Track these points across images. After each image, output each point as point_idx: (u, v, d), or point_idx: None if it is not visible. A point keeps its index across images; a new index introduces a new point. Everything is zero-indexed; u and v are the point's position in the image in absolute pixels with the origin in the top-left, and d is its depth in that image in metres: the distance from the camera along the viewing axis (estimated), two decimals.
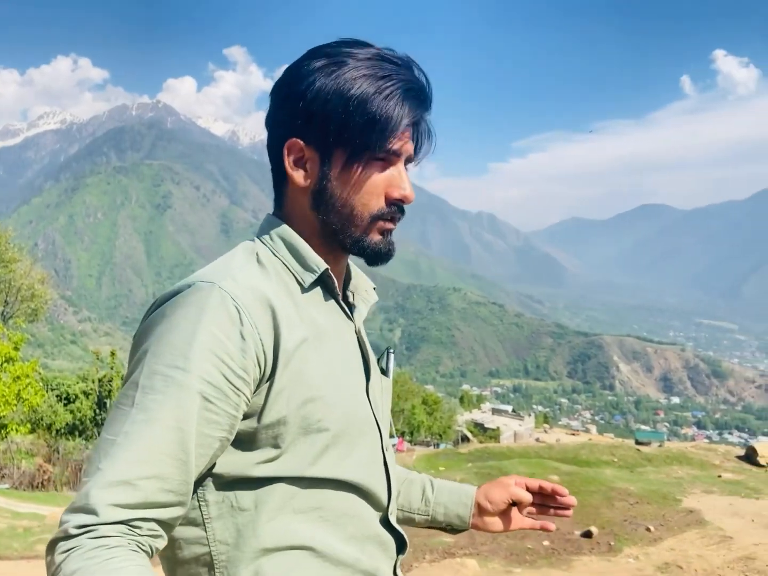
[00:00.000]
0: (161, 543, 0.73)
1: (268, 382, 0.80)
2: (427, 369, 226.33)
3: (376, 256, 0.91)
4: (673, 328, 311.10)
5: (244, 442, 0.81)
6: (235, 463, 0.81)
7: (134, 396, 0.74)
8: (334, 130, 0.84)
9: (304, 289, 0.88)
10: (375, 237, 0.89)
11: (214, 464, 0.80)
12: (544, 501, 1.10)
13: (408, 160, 0.91)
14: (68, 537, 0.67)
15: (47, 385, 20.39)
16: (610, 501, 8.21)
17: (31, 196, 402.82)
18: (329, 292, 0.92)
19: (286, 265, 0.88)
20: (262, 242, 0.91)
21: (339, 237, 0.89)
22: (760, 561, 5.69)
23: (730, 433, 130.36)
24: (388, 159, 0.87)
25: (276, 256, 0.89)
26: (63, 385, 22.28)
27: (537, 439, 32.42)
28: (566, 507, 1.08)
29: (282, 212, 0.93)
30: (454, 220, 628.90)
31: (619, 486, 8.82)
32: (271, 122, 0.91)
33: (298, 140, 0.87)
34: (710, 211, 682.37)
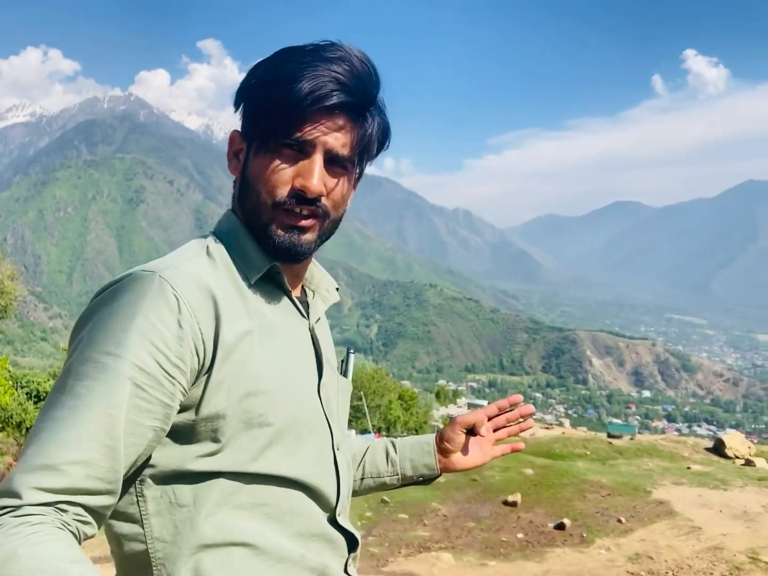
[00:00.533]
0: (90, 530, 0.72)
1: (207, 374, 0.79)
2: (404, 365, 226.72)
3: (278, 251, 0.88)
4: (644, 323, 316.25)
5: (183, 435, 0.79)
6: (172, 456, 0.80)
7: (67, 382, 0.73)
8: (248, 118, 0.88)
9: (251, 285, 0.87)
10: (278, 231, 0.87)
11: (151, 458, 0.79)
12: (507, 421, 1.15)
13: (334, 156, 0.86)
14: None
15: (17, 383, 19.97)
16: (583, 493, 8.33)
17: (0, 190, 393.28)
18: (281, 289, 0.92)
19: (235, 261, 0.88)
20: (215, 237, 0.91)
21: (254, 227, 0.89)
22: (728, 551, 5.82)
23: (699, 426, 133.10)
24: (301, 149, 0.85)
25: (227, 251, 0.89)
26: (33, 382, 21.83)
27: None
28: (527, 416, 1.09)
29: (234, 202, 0.94)
30: (431, 216, 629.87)
31: (591, 478, 8.96)
32: None
33: (237, 132, 0.91)
34: (681, 208, 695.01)
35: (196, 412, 0.79)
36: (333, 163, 0.87)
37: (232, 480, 0.81)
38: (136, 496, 0.80)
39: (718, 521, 6.75)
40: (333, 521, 0.92)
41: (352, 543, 0.95)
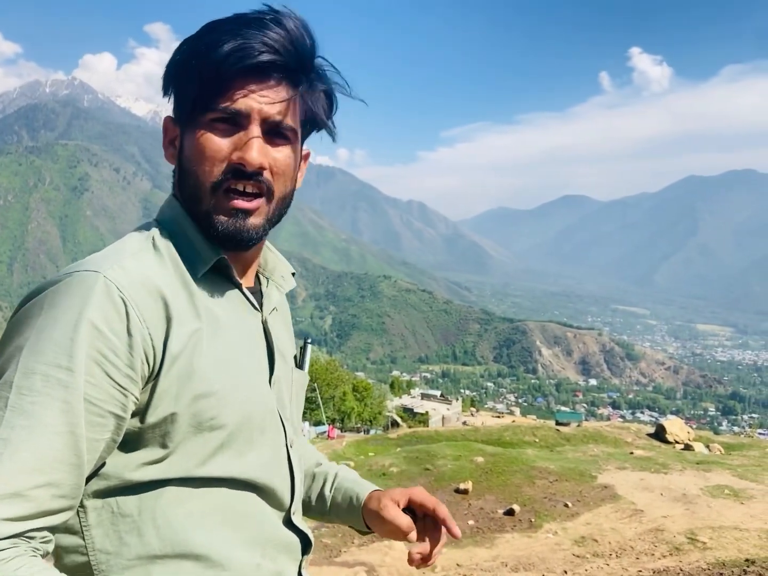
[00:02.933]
0: (51, 546, 0.70)
1: (155, 380, 0.74)
2: (358, 356, 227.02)
3: (223, 239, 0.81)
4: (591, 313, 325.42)
5: (128, 442, 0.75)
6: (116, 465, 0.75)
7: (8, 398, 0.66)
8: (177, 99, 0.81)
9: (197, 279, 0.81)
10: (220, 217, 0.80)
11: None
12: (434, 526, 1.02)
13: (273, 125, 0.79)
14: None
15: None
16: (532, 479, 8.52)
17: None
18: (230, 281, 0.86)
19: (180, 253, 0.81)
20: (160, 226, 0.83)
21: (195, 212, 0.82)
22: (668, 532, 6.06)
23: (642, 413, 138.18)
24: (235, 121, 0.78)
25: (171, 242, 0.82)
26: None
27: (464, 423, 33.19)
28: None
29: (176, 192, 0.86)
30: (385, 207, 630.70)
31: (539, 465, 9.16)
32: None
33: (168, 118, 0.84)
34: (626, 202, 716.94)
35: (143, 420, 0.74)
36: (273, 134, 0.80)
37: (181, 486, 0.77)
38: (77, 507, 0.73)
39: (659, 504, 7.01)
40: (288, 522, 0.89)
41: (305, 544, 0.92)
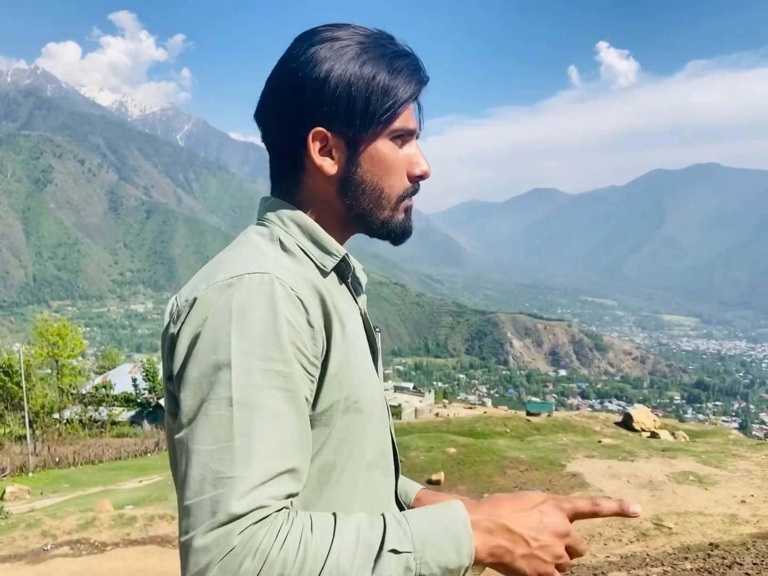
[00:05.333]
0: None
1: (325, 369, 0.80)
2: None
3: (403, 235, 0.93)
4: (560, 305, 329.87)
5: None
6: None
7: (229, 397, 0.70)
8: (359, 114, 0.84)
9: (326, 275, 0.87)
10: (400, 216, 0.91)
11: None
12: None
13: (417, 136, 0.92)
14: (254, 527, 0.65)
15: None
16: (503, 469, 8.59)
17: None
18: (341, 277, 0.92)
19: (304, 251, 0.87)
20: (280, 228, 0.89)
21: (367, 220, 0.90)
22: (635, 518, 6.16)
23: (610, 402, 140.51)
24: (404, 138, 0.89)
25: (295, 241, 0.88)
26: None
27: (436, 414, 33.37)
28: None
29: (295, 199, 0.90)
30: None
31: (510, 455, 9.25)
32: (280, 115, 0.87)
33: (323, 129, 0.86)
34: (595, 195, 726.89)
35: (314, 407, 0.80)
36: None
37: (333, 465, 0.83)
38: None
39: (626, 491, 7.12)
40: (396, 501, 0.98)
41: None
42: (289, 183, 0.91)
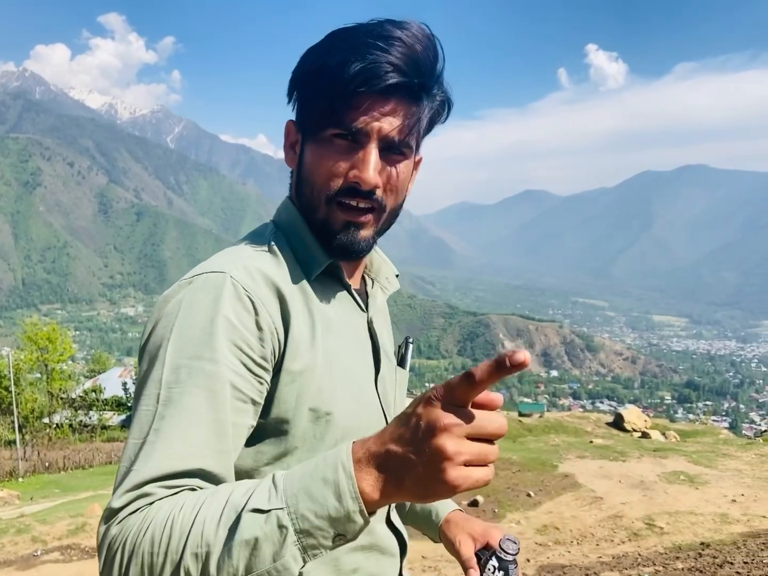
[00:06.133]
0: None
1: (279, 373, 0.78)
2: None
3: (335, 250, 0.85)
4: (552, 306, 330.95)
5: (253, 436, 0.78)
6: (244, 458, 0.79)
7: (157, 393, 0.70)
8: (301, 107, 0.84)
9: (311, 281, 0.85)
10: (337, 226, 0.84)
11: None
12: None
13: (390, 143, 0.81)
14: (130, 509, 0.64)
15: None
16: (495, 470, 8.59)
17: None
18: (340, 283, 0.90)
19: (294, 253, 0.86)
20: (277, 228, 0.89)
21: (311, 219, 0.86)
22: (627, 518, 6.19)
23: (601, 402, 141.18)
24: (355, 139, 0.80)
25: (287, 243, 0.86)
26: None
27: None
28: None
29: (293, 195, 0.90)
30: None
31: (503, 456, 9.26)
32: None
33: (292, 123, 0.87)
34: (585, 197, 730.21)
35: (267, 412, 0.78)
36: (390, 150, 0.82)
37: None
38: None
39: (618, 491, 7.15)
40: (387, 521, 0.93)
41: (402, 544, 0.95)
42: (291, 180, 0.91)
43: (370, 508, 0.60)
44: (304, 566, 0.61)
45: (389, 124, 0.79)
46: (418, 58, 0.79)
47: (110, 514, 0.64)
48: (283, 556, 0.59)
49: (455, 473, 0.56)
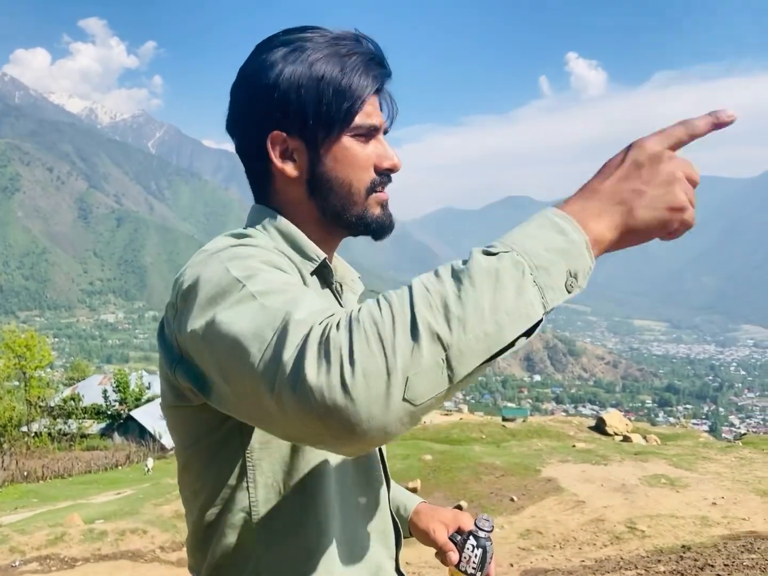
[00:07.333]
0: None
1: None
2: None
3: (381, 230, 0.91)
4: None
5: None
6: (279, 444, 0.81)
7: (251, 293, 0.66)
8: (312, 114, 0.84)
9: (304, 280, 0.86)
10: (376, 210, 0.90)
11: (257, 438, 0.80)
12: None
13: (385, 131, 0.92)
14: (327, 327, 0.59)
15: None
16: (478, 475, 8.62)
17: None
18: (325, 282, 0.92)
19: (287, 257, 0.86)
20: (261, 234, 0.88)
21: (344, 217, 0.89)
22: (609, 522, 6.23)
23: (584, 406, 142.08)
24: (369, 134, 0.87)
25: (276, 248, 0.86)
26: None
27: None
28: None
29: (273, 206, 0.91)
30: None
31: (486, 461, 9.29)
32: (240, 123, 0.89)
33: (280, 132, 0.86)
34: None
35: None
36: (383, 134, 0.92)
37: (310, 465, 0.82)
38: (247, 482, 0.81)
39: (600, 494, 7.20)
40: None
41: (397, 535, 0.96)
42: (263, 190, 0.91)
43: (596, 246, 0.63)
44: (546, 313, 0.60)
45: (383, 117, 0.90)
46: (384, 55, 0.89)
47: (306, 317, 0.61)
48: (526, 290, 0.58)
49: (682, 195, 0.62)
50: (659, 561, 5.07)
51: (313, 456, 0.82)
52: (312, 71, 0.83)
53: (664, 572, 4.78)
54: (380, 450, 0.96)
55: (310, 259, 0.87)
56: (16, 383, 32.91)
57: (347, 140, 0.86)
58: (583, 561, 5.33)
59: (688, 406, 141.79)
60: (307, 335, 0.58)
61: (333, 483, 0.84)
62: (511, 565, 5.38)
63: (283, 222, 0.88)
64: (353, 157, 0.86)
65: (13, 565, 6.50)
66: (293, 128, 0.85)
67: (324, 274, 0.90)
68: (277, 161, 0.86)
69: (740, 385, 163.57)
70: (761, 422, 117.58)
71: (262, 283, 0.67)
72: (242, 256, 0.72)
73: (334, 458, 0.84)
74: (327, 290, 0.92)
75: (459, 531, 1.04)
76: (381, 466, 0.95)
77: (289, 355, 0.58)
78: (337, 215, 0.89)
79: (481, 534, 0.96)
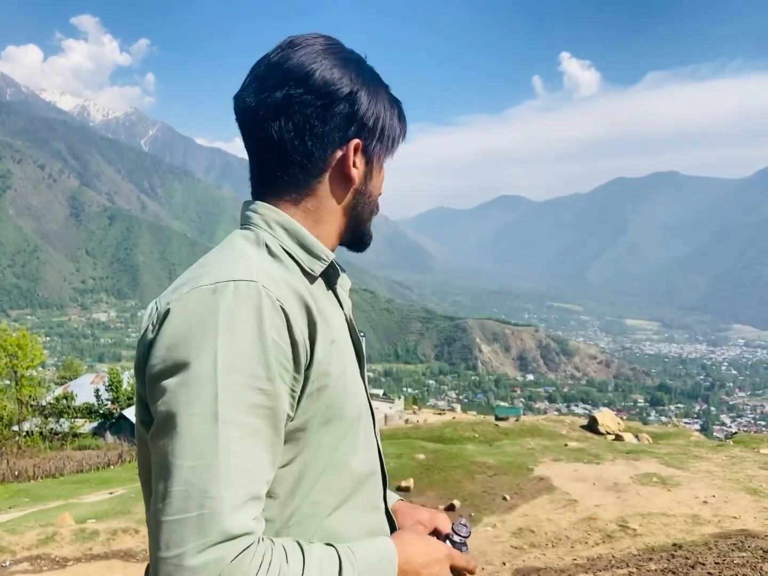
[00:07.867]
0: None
1: (306, 384, 0.81)
2: None
3: (365, 243, 1.03)
4: (527, 310, 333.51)
5: None
6: None
7: (215, 412, 0.69)
8: (383, 136, 0.95)
9: (314, 279, 0.88)
10: (369, 225, 1.02)
11: None
12: None
13: None
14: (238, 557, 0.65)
15: None
16: (471, 474, 8.63)
17: None
18: (328, 283, 0.94)
19: (291, 256, 0.87)
20: (266, 232, 0.88)
21: (360, 229, 0.99)
22: (601, 520, 6.25)
23: (576, 405, 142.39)
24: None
25: (282, 246, 0.87)
26: None
27: (406, 421, 33.34)
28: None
29: (298, 206, 0.91)
30: None
31: (479, 460, 9.30)
32: (307, 123, 0.88)
33: (360, 141, 0.92)
34: (560, 202, 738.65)
35: (292, 420, 0.80)
36: None
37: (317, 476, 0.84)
38: None
39: (592, 493, 7.22)
40: (386, 512, 0.99)
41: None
42: (293, 189, 0.91)
43: None
44: None
45: None
46: None
47: (224, 538, 0.65)
48: None
49: None
50: (651, 559, 5.09)
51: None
52: (389, 95, 0.96)
53: (656, 570, 4.80)
54: (379, 450, 0.98)
55: (318, 258, 0.89)
56: (8, 382, 32.69)
57: (385, 163, 0.99)
58: (575, 559, 5.34)
59: (679, 405, 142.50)
60: (217, 546, 0.65)
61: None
62: (504, 564, 5.39)
63: (288, 220, 0.89)
64: (383, 179, 1.00)
65: (3, 565, 6.46)
66: (368, 141, 0.93)
67: (329, 275, 0.93)
68: (351, 167, 0.92)
69: (731, 384, 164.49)
70: (752, 421, 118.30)
71: (231, 426, 0.69)
72: (239, 369, 0.72)
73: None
74: (330, 292, 0.94)
75: (434, 532, 1.04)
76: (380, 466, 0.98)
77: (194, 553, 0.64)
78: (357, 227, 0.98)
79: (457, 539, 0.99)
